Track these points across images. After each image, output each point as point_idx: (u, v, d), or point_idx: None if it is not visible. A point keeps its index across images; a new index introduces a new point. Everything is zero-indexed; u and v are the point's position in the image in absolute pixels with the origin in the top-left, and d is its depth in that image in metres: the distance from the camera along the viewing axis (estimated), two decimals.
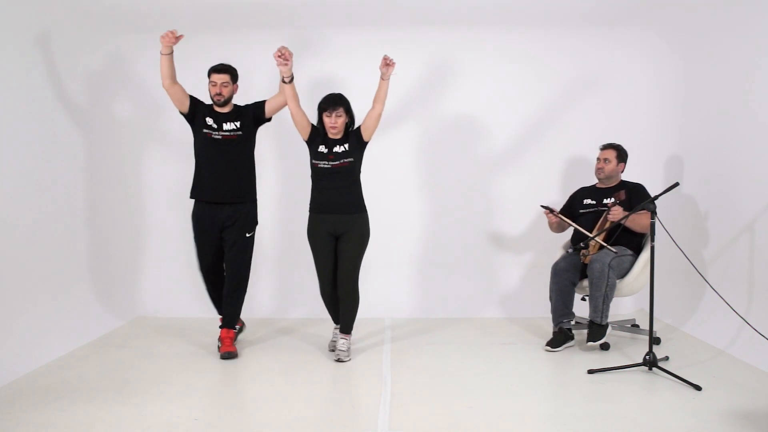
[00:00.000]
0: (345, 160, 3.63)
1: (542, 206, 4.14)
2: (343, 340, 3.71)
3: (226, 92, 3.69)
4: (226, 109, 3.76)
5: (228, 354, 3.69)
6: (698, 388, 3.13)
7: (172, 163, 4.82)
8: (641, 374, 3.38)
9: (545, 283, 4.05)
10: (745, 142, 3.85)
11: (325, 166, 3.62)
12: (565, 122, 4.92)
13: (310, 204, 3.74)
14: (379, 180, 4.94)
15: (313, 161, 3.65)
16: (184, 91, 3.70)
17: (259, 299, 4.87)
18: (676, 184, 3.47)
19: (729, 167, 4.01)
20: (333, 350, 3.80)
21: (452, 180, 4.97)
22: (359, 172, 3.74)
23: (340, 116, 3.60)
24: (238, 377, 3.43)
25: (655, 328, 3.57)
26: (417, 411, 2.90)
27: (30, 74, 3.94)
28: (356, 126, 3.73)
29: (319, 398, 3.13)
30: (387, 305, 4.84)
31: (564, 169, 4.94)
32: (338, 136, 3.67)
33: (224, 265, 3.84)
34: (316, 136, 3.67)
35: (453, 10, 4.56)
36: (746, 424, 2.71)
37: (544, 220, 4.30)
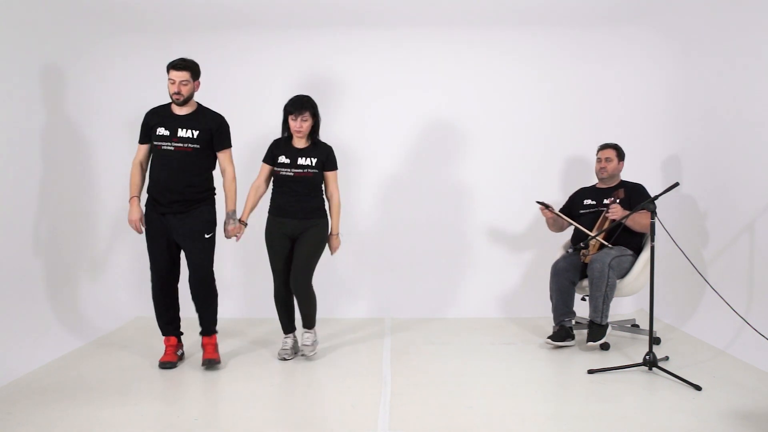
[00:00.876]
0: (309, 170, 3.60)
1: (537, 202, 4.14)
2: (308, 334, 3.71)
3: (185, 91, 3.44)
4: (185, 110, 3.52)
5: (209, 362, 3.52)
6: (698, 388, 3.13)
7: None
8: (641, 374, 3.38)
9: (545, 283, 4.05)
10: (745, 142, 3.84)
11: (287, 173, 3.59)
12: (565, 122, 4.92)
13: (270, 206, 3.69)
14: (379, 180, 4.96)
15: (275, 169, 3.62)
16: (146, 154, 3.57)
17: (258, 299, 4.87)
18: (676, 184, 3.47)
19: (729, 167, 4.01)
20: (285, 358, 3.68)
21: (452, 180, 4.97)
22: (321, 183, 3.69)
23: (306, 120, 3.55)
24: (238, 377, 3.42)
25: (655, 328, 3.57)
26: (417, 411, 2.90)
27: (24, 73, 3.94)
28: (319, 136, 3.70)
29: (319, 398, 3.13)
30: (387, 305, 4.84)
31: (564, 168, 4.94)
32: (302, 143, 3.63)
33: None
34: (275, 150, 3.64)
35: (453, 10, 4.56)
36: (746, 424, 2.71)
37: (544, 220, 4.30)
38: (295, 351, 3.77)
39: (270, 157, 3.65)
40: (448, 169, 4.97)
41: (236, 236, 3.63)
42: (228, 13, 4.57)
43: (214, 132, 3.52)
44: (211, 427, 2.76)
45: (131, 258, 4.87)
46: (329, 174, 3.68)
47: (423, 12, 4.60)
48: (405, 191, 4.98)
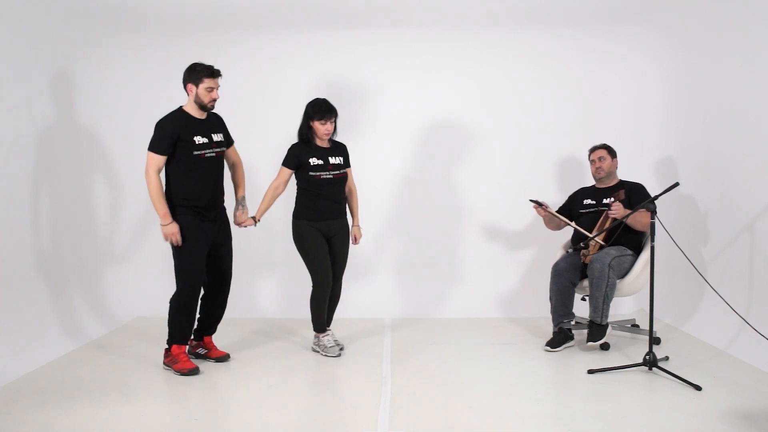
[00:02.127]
0: (342, 170, 3.76)
1: (531, 200, 4.14)
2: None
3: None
4: (203, 115, 3.50)
5: (223, 357, 3.68)
6: (698, 388, 3.13)
7: None
8: (641, 374, 3.38)
9: (545, 283, 4.05)
10: (745, 142, 3.84)
11: (327, 176, 3.68)
12: (566, 122, 4.92)
13: (304, 212, 3.71)
14: (379, 180, 4.96)
15: (311, 174, 3.65)
16: (163, 165, 3.43)
17: (258, 300, 4.87)
18: (676, 184, 3.47)
19: (729, 167, 4.01)
20: (341, 351, 3.81)
21: (453, 180, 4.97)
22: None
23: (332, 123, 3.67)
24: (237, 377, 3.43)
25: (655, 328, 3.57)
26: (417, 411, 2.90)
27: (24, 73, 3.94)
28: (338, 139, 3.84)
29: (320, 398, 3.13)
30: (387, 305, 4.84)
31: (563, 168, 4.94)
32: (325, 143, 3.72)
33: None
34: (301, 155, 3.66)
35: (453, 10, 4.56)
36: (746, 424, 2.71)
37: (542, 220, 4.30)
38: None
39: (294, 162, 3.67)
40: (448, 169, 4.96)
41: (243, 225, 3.68)
42: (228, 13, 4.57)
43: (227, 130, 3.65)
44: (211, 427, 2.76)
45: (131, 258, 4.87)
46: (349, 170, 3.86)
47: (423, 12, 4.60)
48: (405, 191, 4.98)
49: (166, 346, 3.54)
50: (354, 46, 4.92)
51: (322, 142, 3.71)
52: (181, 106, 3.48)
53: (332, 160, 3.70)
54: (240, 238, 3.88)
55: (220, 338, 3.85)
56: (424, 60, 4.93)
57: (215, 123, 3.58)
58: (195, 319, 3.58)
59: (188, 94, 3.45)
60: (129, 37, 4.80)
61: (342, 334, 4.26)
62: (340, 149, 3.79)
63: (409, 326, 4.51)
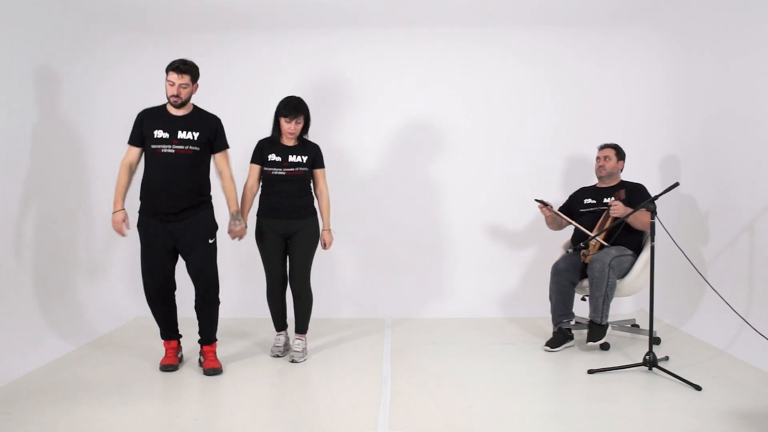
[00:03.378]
0: (300, 168, 3.64)
1: (536, 200, 4.15)
2: (299, 340, 3.74)
3: (184, 94, 3.35)
4: (182, 111, 3.42)
5: (212, 370, 3.45)
6: (698, 388, 3.13)
7: None
8: (641, 374, 3.38)
9: (545, 283, 4.05)
10: (745, 142, 3.84)
11: (279, 172, 3.61)
12: (565, 121, 4.93)
13: (261, 208, 3.69)
14: (379, 180, 4.96)
15: (265, 169, 3.63)
16: (137, 157, 3.45)
17: (258, 300, 4.87)
18: (676, 184, 3.47)
19: (729, 167, 4.01)
20: (278, 355, 3.75)
21: (452, 180, 4.97)
22: (310, 181, 3.74)
23: (299, 123, 3.61)
24: (237, 377, 3.42)
25: (655, 328, 3.57)
26: (417, 411, 2.90)
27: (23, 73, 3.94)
28: (308, 137, 3.74)
29: (319, 398, 3.13)
30: (387, 305, 4.84)
31: (564, 168, 4.94)
32: (291, 142, 3.66)
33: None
34: (263, 151, 3.65)
35: (454, 10, 4.56)
36: (746, 424, 2.71)
37: (544, 219, 4.30)
38: (287, 349, 3.81)
39: (259, 157, 3.66)
40: (449, 169, 4.97)
41: (236, 236, 3.63)
42: (228, 13, 4.57)
43: (213, 133, 3.46)
44: (211, 427, 2.76)
45: (131, 258, 4.87)
46: (318, 171, 3.73)
47: (424, 12, 4.60)
48: (405, 191, 4.98)
49: None
50: (354, 46, 4.92)
51: (289, 141, 3.65)
52: (166, 102, 3.44)
53: (291, 158, 3.62)
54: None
55: (221, 336, 3.84)
56: (425, 60, 4.93)
57: (195, 122, 3.41)
58: (162, 317, 3.54)
59: None
60: (129, 37, 4.80)
61: (342, 334, 4.26)
62: (307, 149, 3.67)
63: (409, 326, 4.51)
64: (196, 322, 3.55)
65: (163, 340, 3.62)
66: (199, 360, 3.58)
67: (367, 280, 4.94)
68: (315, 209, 3.76)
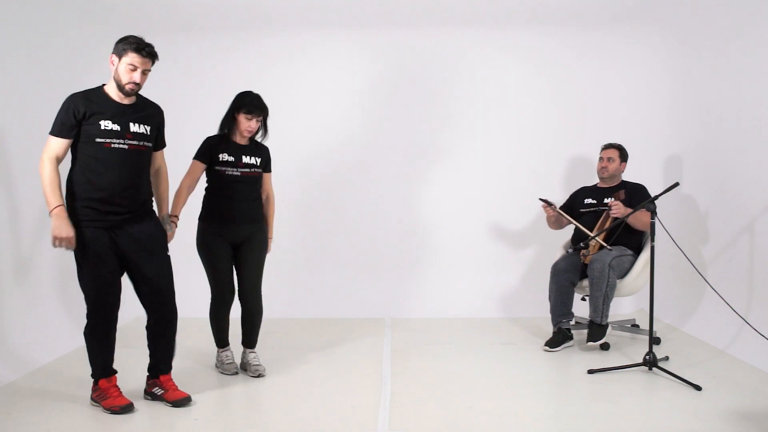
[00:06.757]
0: (255, 170, 3.38)
1: (541, 199, 4.15)
2: (254, 354, 3.50)
3: (143, 82, 2.85)
4: (129, 100, 2.88)
5: (183, 401, 2.97)
6: (698, 388, 3.13)
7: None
8: (641, 374, 3.38)
9: (545, 283, 4.05)
10: (746, 142, 3.84)
11: (233, 173, 3.31)
12: (566, 121, 4.93)
13: (209, 214, 3.36)
14: (379, 180, 4.96)
15: (217, 168, 3.30)
16: (65, 152, 2.82)
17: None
18: (676, 184, 3.47)
19: (729, 167, 4.01)
20: (236, 372, 3.46)
21: (453, 179, 4.97)
22: (261, 184, 3.47)
23: (258, 122, 3.35)
24: (237, 377, 3.42)
25: (655, 328, 3.57)
26: (417, 411, 2.90)
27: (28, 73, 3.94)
28: (263, 142, 3.49)
29: (319, 398, 3.13)
30: (387, 305, 4.84)
31: (565, 168, 4.95)
32: (244, 141, 3.37)
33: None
34: (213, 149, 3.31)
35: (454, 9, 4.56)
36: (746, 424, 2.71)
37: (545, 219, 4.31)
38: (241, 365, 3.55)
39: (206, 156, 3.31)
40: (449, 169, 4.97)
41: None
42: (228, 13, 4.57)
43: (159, 127, 3.02)
44: (211, 427, 2.76)
45: None
46: (267, 175, 3.50)
47: (424, 12, 4.60)
48: (405, 191, 4.98)
49: (93, 380, 2.96)
50: (354, 46, 4.92)
51: (242, 139, 3.36)
52: (102, 85, 2.89)
53: (245, 159, 3.34)
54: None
55: (210, 337, 3.82)
56: (425, 60, 4.93)
57: (144, 113, 2.91)
58: (109, 347, 2.94)
59: (110, 69, 2.83)
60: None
61: (342, 334, 4.26)
62: (260, 151, 3.42)
63: (409, 326, 4.50)
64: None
65: (101, 380, 2.93)
66: (156, 395, 3.03)
67: (367, 280, 4.94)
68: (264, 214, 3.50)
